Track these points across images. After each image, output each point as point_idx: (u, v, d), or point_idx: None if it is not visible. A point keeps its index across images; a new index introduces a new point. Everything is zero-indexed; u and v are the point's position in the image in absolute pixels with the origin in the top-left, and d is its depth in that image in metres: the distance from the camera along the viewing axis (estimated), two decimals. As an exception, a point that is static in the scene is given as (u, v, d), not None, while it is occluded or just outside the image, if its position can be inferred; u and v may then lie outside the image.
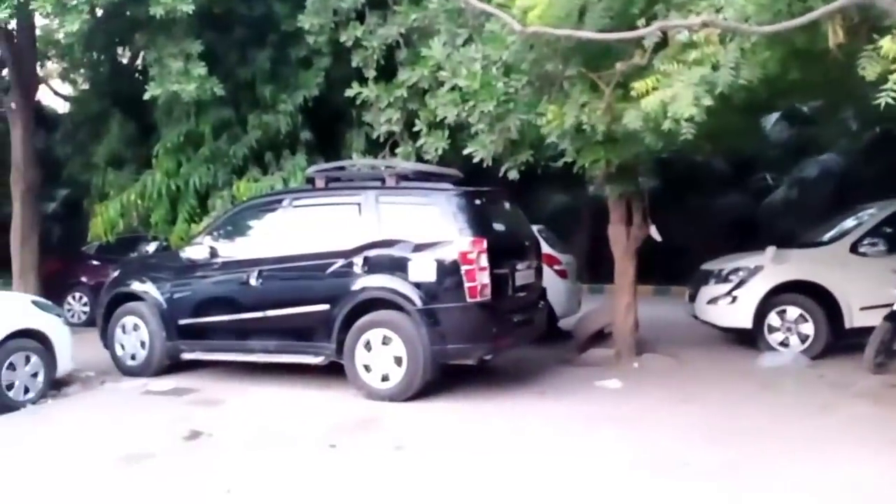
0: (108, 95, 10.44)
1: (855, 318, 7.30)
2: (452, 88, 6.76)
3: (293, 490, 4.16)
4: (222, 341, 6.75)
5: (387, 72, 8.02)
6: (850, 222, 8.03)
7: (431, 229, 6.03)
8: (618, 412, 5.59)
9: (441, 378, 6.15)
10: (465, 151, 6.76)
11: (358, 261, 6.12)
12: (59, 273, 11.11)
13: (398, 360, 5.94)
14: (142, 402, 6.26)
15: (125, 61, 11.10)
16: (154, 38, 8.40)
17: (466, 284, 5.78)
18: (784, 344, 7.49)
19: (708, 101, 5.02)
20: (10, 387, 5.94)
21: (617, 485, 4.14)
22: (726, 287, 7.78)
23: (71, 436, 5.28)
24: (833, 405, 5.67)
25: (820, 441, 4.81)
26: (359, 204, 6.34)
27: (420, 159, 7.57)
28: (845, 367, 6.82)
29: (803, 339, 7.45)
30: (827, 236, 8.03)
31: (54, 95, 13.89)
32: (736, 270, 7.80)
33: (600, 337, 7.85)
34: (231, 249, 6.90)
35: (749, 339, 7.74)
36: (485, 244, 5.86)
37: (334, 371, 6.28)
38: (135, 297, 7.15)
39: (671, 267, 11.14)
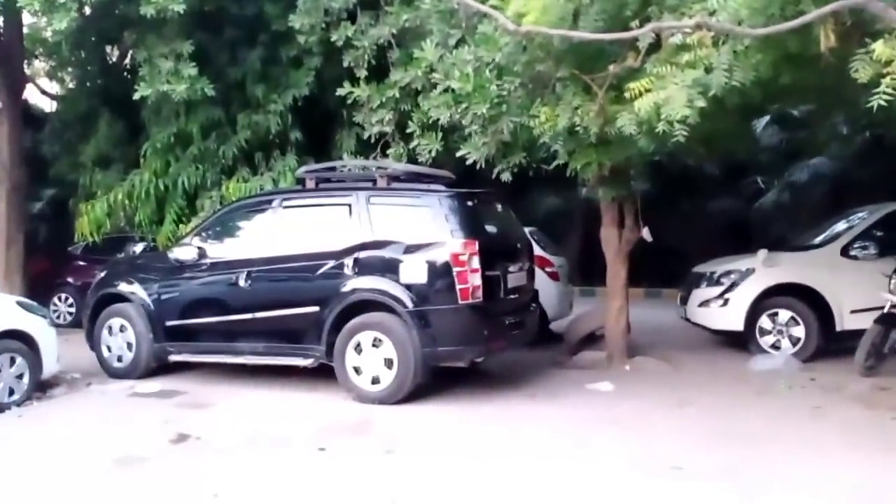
0: (96, 94, 10.34)
1: (846, 321, 7.32)
2: (445, 90, 6.73)
3: (282, 494, 4.10)
4: (210, 343, 6.68)
5: (378, 72, 7.98)
6: (841, 226, 8.07)
7: (423, 231, 5.98)
8: (610, 415, 5.57)
9: (432, 381, 6.11)
10: (458, 153, 6.73)
11: (348, 262, 6.06)
12: (44, 273, 10.98)
13: (389, 363, 5.89)
14: (128, 404, 6.17)
15: (114, 60, 10.99)
16: (144, 38, 8.33)
17: (458, 286, 5.74)
18: (775, 347, 7.50)
19: (701, 103, 5.01)
20: (-6, 388, 5.86)
21: (611, 488, 4.10)
22: (718, 290, 7.79)
23: (56, 438, 5.19)
24: (825, 408, 5.67)
25: (814, 444, 4.80)
26: (349, 205, 6.29)
27: (412, 160, 7.53)
28: (836, 370, 6.83)
29: (794, 341, 7.47)
30: (818, 239, 8.06)
31: (41, 94, 13.76)
32: (727, 273, 7.82)
33: (592, 339, 7.84)
34: (220, 250, 6.83)
35: (741, 341, 7.75)
36: (476, 246, 5.82)
37: (324, 373, 6.22)
38: (122, 298, 7.07)
39: (663, 270, 11.16)
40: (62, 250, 11.31)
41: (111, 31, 9.65)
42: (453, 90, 6.56)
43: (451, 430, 5.27)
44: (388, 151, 8.04)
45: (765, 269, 7.57)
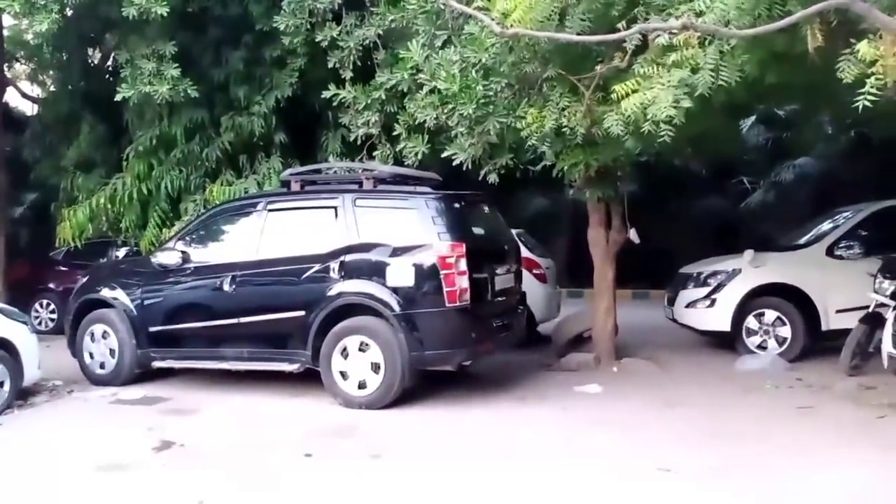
0: (78, 97, 10.20)
1: (831, 321, 7.35)
2: (431, 91, 6.68)
3: (267, 500, 4.04)
4: (195, 349, 6.59)
5: (364, 73, 7.91)
6: (826, 225, 8.10)
7: (410, 233, 5.93)
8: (599, 417, 5.54)
9: (420, 384, 6.06)
10: (444, 154, 6.68)
11: (334, 265, 6.00)
12: (26, 279, 10.84)
13: (376, 367, 5.83)
14: (111, 411, 6.08)
15: (96, 62, 10.86)
16: (126, 39, 8.22)
17: (445, 289, 5.69)
18: (762, 347, 7.52)
19: (687, 103, 5.00)
20: (-27, 397, 5.75)
21: (601, 490, 4.08)
22: (704, 290, 7.80)
23: (38, 447, 5.10)
24: (812, 408, 5.68)
25: (802, 444, 4.80)
26: (335, 207, 6.23)
27: (399, 162, 7.47)
28: (823, 370, 6.85)
29: (781, 341, 7.49)
30: (804, 239, 8.09)
31: (22, 97, 13.59)
32: (714, 274, 7.83)
33: (580, 341, 7.82)
34: (204, 254, 6.76)
35: (728, 342, 7.76)
36: (464, 248, 5.78)
37: (310, 379, 6.15)
38: (104, 303, 6.96)
39: (651, 270, 11.16)
40: (44, 255, 11.15)
41: (93, 33, 9.54)
42: (439, 91, 6.51)
43: (439, 434, 5.22)
44: (374, 153, 7.98)
45: (751, 270, 7.59)
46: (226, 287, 6.37)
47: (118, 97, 7.94)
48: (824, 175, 12.57)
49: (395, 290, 5.80)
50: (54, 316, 10.52)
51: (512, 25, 5.03)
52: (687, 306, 8.00)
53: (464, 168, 6.68)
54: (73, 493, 4.20)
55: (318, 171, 7.22)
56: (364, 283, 5.92)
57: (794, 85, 6.40)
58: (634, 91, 5.09)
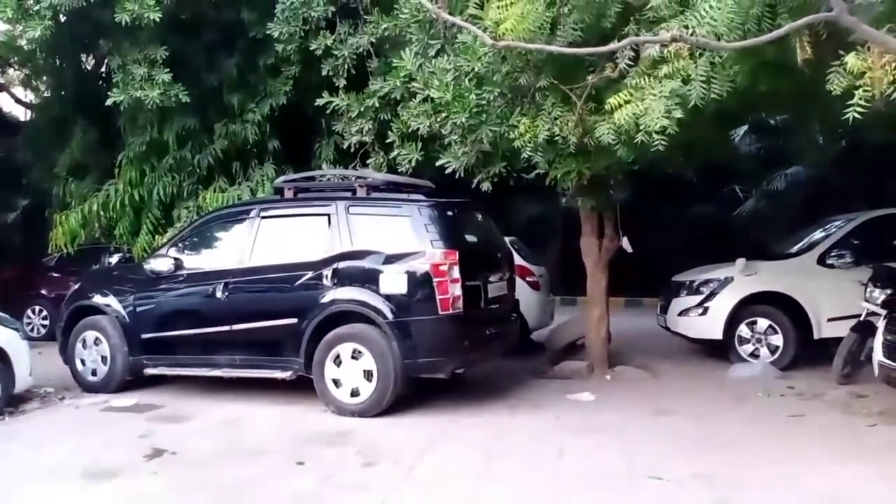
0: (71, 103, 10.19)
1: (823, 329, 7.39)
2: (424, 99, 6.71)
3: (258, 511, 4.03)
4: (187, 356, 6.57)
5: (358, 81, 7.94)
6: (817, 234, 8.15)
7: (403, 241, 5.94)
8: (591, 425, 5.55)
9: (412, 392, 6.05)
10: (438, 163, 6.71)
11: (327, 273, 6.00)
12: (17, 285, 10.79)
13: (368, 375, 5.83)
14: (103, 419, 6.05)
15: (89, 68, 10.85)
16: (118, 44, 8.22)
17: (438, 297, 5.70)
18: (754, 355, 7.55)
19: (679, 114, 5.05)
20: (-36, 404, 5.72)
21: (592, 498, 4.08)
22: (697, 299, 7.84)
23: (29, 454, 5.08)
24: (803, 416, 5.71)
25: (792, 452, 4.82)
26: (328, 215, 6.23)
27: (392, 170, 7.49)
28: (814, 378, 6.88)
29: (773, 350, 7.53)
30: (795, 248, 8.13)
31: (16, 103, 13.57)
32: (706, 282, 7.86)
33: (573, 349, 7.83)
34: (196, 261, 6.75)
35: (720, 350, 7.78)
36: (457, 256, 5.79)
37: (303, 386, 6.15)
38: (96, 310, 6.94)
39: (643, 278, 11.18)
40: (36, 261, 11.11)
41: (86, 39, 9.52)
42: (433, 99, 6.54)
43: (432, 442, 5.21)
44: (367, 161, 8.00)
45: (743, 278, 7.63)
46: (218, 294, 6.36)
47: (109, 102, 7.95)
48: (816, 184, 12.63)
49: (388, 298, 5.81)
50: (46, 322, 10.48)
51: (504, 35, 5.08)
52: (679, 314, 8.03)
53: (457, 176, 6.70)
54: (62, 500, 4.19)
55: (312, 179, 7.22)
56: (357, 291, 5.92)
57: (784, 95, 6.45)
58: (627, 102, 5.14)
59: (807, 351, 7.46)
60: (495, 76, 6.09)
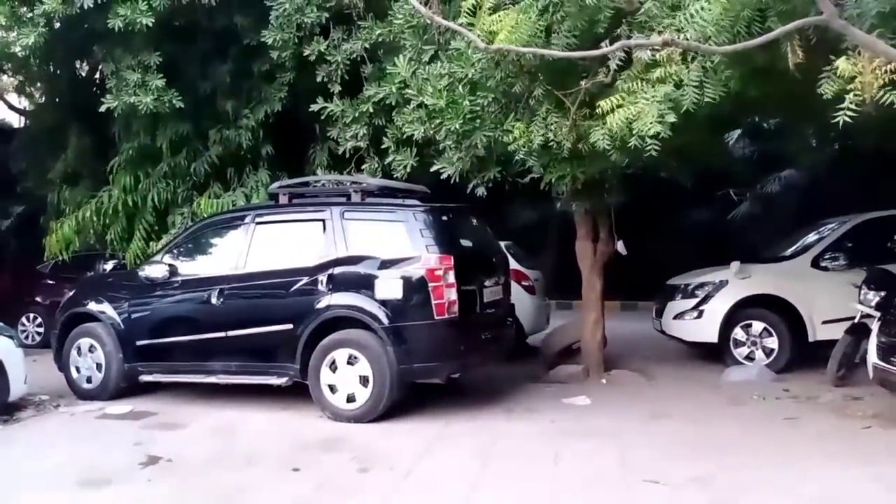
0: (65, 109, 10.17)
1: (818, 332, 7.42)
2: (419, 105, 6.72)
3: (254, 518, 4.02)
4: (182, 363, 6.56)
5: (352, 87, 7.95)
6: (811, 237, 8.18)
7: (398, 246, 5.95)
8: (587, 429, 5.56)
9: (408, 397, 6.05)
10: (433, 168, 6.72)
11: (322, 278, 6.01)
12: (12, 292, 10.75)
13: (364, 380, 5.82)
14: (98, 426, 6.03)
15: (83, 75, 10.84)
16: (112, 50, 8.22)
17: (434, 302, 5.71)
18: (749, 358, 7.57)
19: (672, 118, 5.07)
20: (-42, 412, 5.70)
21: (590, 502, 4.09)
22: (692, 302, 7.86)
23: (24, 462, 5.07)
24: (798, 419, 5.72)
25: (789, 455, 4.83)
26: (323, 220, 6.24)
27: (387, 175, 7.50)
28: (809, 381, 6.90)
29: (768, 352, 7.55)
30: (789, 251, 8.16)
31: (10, 110, 13.55)
32: (701, 285, 7.89)
33: (568, 353, 7.84)
34: (191, 268, 6.75)
35: (715, 353, 7.80)
36: (452, 261, 5.80)
37: (298, 392, 6.14)
38: (91, 317, 6.93)
39: (639, 282, 11.19)
40: (31, 269, 11.08)
41: (80, 45, 9.51)
42: (427, 105, 6.55)
43: (428, 447, 5.21)
44: (362, 166, 8.00)
45: (738, 281, 7.65)
46: (213, 300, 6.35)
47: (103, 108, 7.93)
48: (810, 187, 12.68)
49: (383, 303, 5.81)
50: (41, 330, 10.45)
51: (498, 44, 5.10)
52: (675, 318, 8.05)
53: (451, 181, 6.71)
54: (57, 509, 4.18)
55: (307, 184, 7.23)
56: (352, 296, 5.92)
57: (777, 99, 6.49)
58: (619, 106, 5.15)
59: (802, 354, 7.48)
60: (489, 82, 6.11)
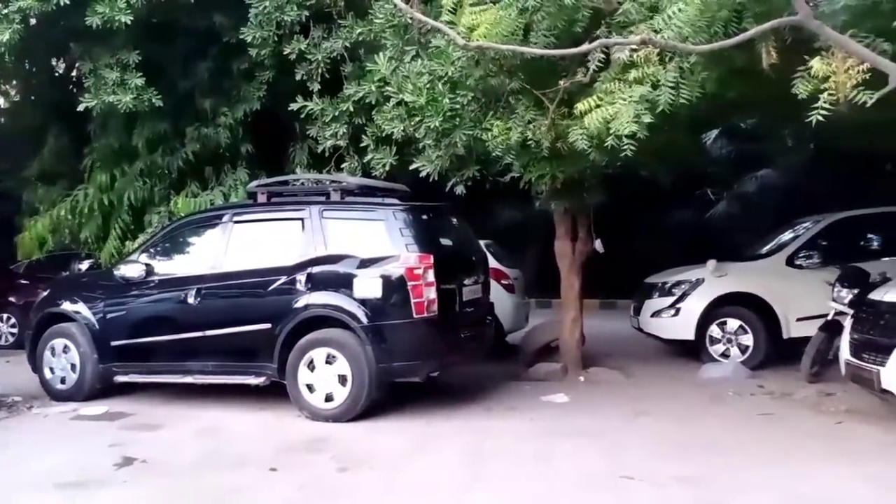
0: (42, 107, 10.04)
1: (792, 329, 7.52)
2: (399, 104, 6.72)
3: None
4: (158, 363, 6.49)
5: (332, 85, 7.92)
6: (786, 236, 8.29)
7: (378, 245, 5.93)
8: (565, 426, 5.59)
9: (388, 396, 6.04)
10: (412, 167, 6.71)
11: (301, 278, 5.98)
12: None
13: (343, 380, 5.81)
14: (72, 428, 5.95)
15: (60, 72, 10.70)
16: (90, 49, 8.12)
17: (413, 300, 5.70)
18: (725, 355, 7.66)
19: (648, 119, 5.11)
20: (-73, 414, 5.61)
21: (564, 499, 4.11)
22: (669, 300, 7.94)
23: (-6, 465, 4.99)
24: (776, 415, 5.80)
25: (765, 450, 4.88)
26: (302, 219, 6.21)
27: (367, 174, 7.48)
28: (784, 377, 7.00)
29: (743, 349, 7.65)
30: (765, 249, 8.27)
31: (-16, 107, 13.32)
32: (678, 283, 7.97)
33: (547, 351, 7.87)
34: (168, 267, 6.68)
35: (692, 350, 7.88)
36: (431, 260, 5.80)
37: (277, 392, 6.11)
38: (65, 317, 6.84)
39: (618, 280, 11.28)
40: (4, 268, 10.91)
41: (58, 43, 9.38)
42: (406, 104, 6.55)
43: (407, 446, 5.21)
44: (342, 165, 7.98)
45: (714, 280, 7.74)
46: (190, 300, 6.30)
47: (81, 107, 7.84)
48: (786, 186, 12.84)
49: (362, 302, 5.79)
50: (15, 330, 10.31)
51: (477, 40, 5.12)
52: (652, 315, 8.12)
53: (430, 179, 6.71)
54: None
55: (286, 183, 7.19)
56: (331, 295, 5.90)
57: (753, 100, 6.56)
58: (597, 106, 5.19)
59: (777, 351, 7.58)
60: (469, 80, 6.12)
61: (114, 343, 6.58)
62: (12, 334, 10.35)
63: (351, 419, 5.78)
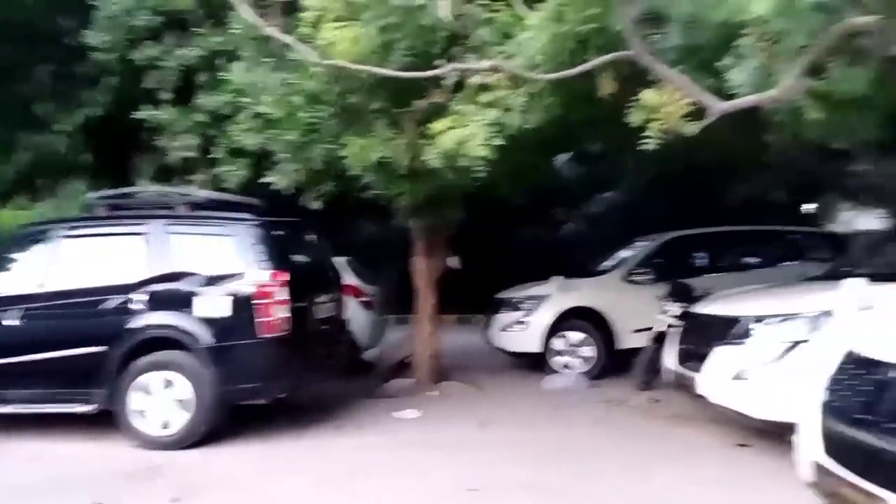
0: None
1: (628, 341, 8.03)
2: (255, 115, 6.55)
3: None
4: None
5: (185, 94, 7.59)
6: (625, 253, 8.94)
7: (226, 261, 5.72)
8: (415, 441, 5.64)
9: (233, 419, 5.79)
10: (265, 180, 6.55)
11: (141, 297, 5.63)
12: None
13: (182, 404, 5.49)
14: None
15: None
16: None
17: (262, 319, 5.50)
18: (568, 366, 8.06)
19: (499, 141, 5.32)
20: None
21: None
22: (518, 315, 8.28)
23: None
24: (609, 421, 6.17)
25: (599, 454, 5.19)
26: (145, 234, 5.87)
27: (220, 188, 7.21)
28: (619, 386, 7.44)
29: (584, 361, 8.09)
30: (605, 266, 8.85)
31: None
32: (526, 299, 8.34)
33: (402, 367, 7.92)
34: (-11, 285, 6.07)
35: (539, 363, 8.21)
36: (283, 277, 5.65)
37: (109, 419, 5.68)
38: None
39: (475, 296, 11.56)
40: None
41: None
42: (263, 116, 6.40)
43: (250, 471, 5.02)
44: (192, 177, 7.65)
45: (559, 295, 8.17)
46: (13, 321, 5.75)
47: None
48: (630, 207, 13.78)
49: (206, 322, 5.53)
50: None
51: (337, 58, 5.11)
52: (502, 330, 8.44)
53: (282, 193, 6.58)
54: None
55: (128, 196, 6.77)
56: (172, 315, 5.59)
57: (596, 126, 6.99)
58: (451, 127, 5.34)
59: (615, 361, 8.05)
60: (328, 96, 6.08)
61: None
62: None
63: (191, 445, 5.47)
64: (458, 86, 5.58)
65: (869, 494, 2.75)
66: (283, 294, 5.62)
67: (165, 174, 7.96)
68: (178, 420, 5.50)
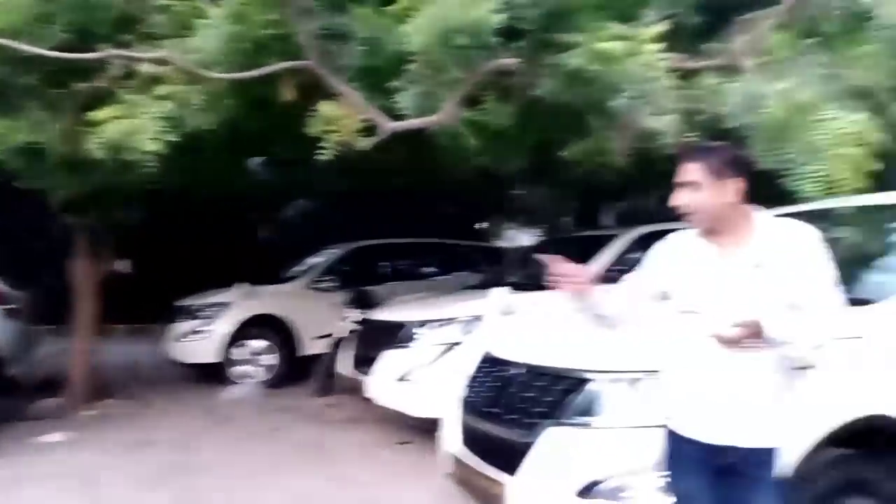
0: None
1: (310, 347, 8.10)
2: None
3: None
4: None
5: None
6: (312, 261, 9.06)
7: None
8: (58, 469, 5.02)
9: None
10: None
11: None
12: None
13: None
14: None
15: None
16: None
17: None
18: (249, 375, 7.87)
19: (173, 138, 4.99)
20: None
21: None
22: (196, 323, 7.88)
23: None
24: (282, 429, 6.10)
25: (268, 464, 5.11)
26: None
27: None
28: (298, 393, 7.46)
29: (267, 369, 7.98)
30: (293, 273, 8.85)
31: None
32: (206, 306, 7.97)
33: (53, 385, 6.99)
34: None
35: (219, 374, 7.88)
36: None
37: None
38: None
39: (154, 304, 10.71)
40: None
41: None
42: None
43: None
44: None
45: (242, 302, 7.95)
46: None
47: None
48: (324, 214, 14.01)
49: None
50: None
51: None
52: (179, 340, 7.95)
53: None
54: None
55: None
56: None
57: (279, 132, 6.94)
58: (118, 117, 4.88)
59: (297, 368, 8.04)
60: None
61: None
62: None
63: None
64: (132, 74, 5.13)
65: (490, 479, 3.14)
66: None
67: None
68: None
